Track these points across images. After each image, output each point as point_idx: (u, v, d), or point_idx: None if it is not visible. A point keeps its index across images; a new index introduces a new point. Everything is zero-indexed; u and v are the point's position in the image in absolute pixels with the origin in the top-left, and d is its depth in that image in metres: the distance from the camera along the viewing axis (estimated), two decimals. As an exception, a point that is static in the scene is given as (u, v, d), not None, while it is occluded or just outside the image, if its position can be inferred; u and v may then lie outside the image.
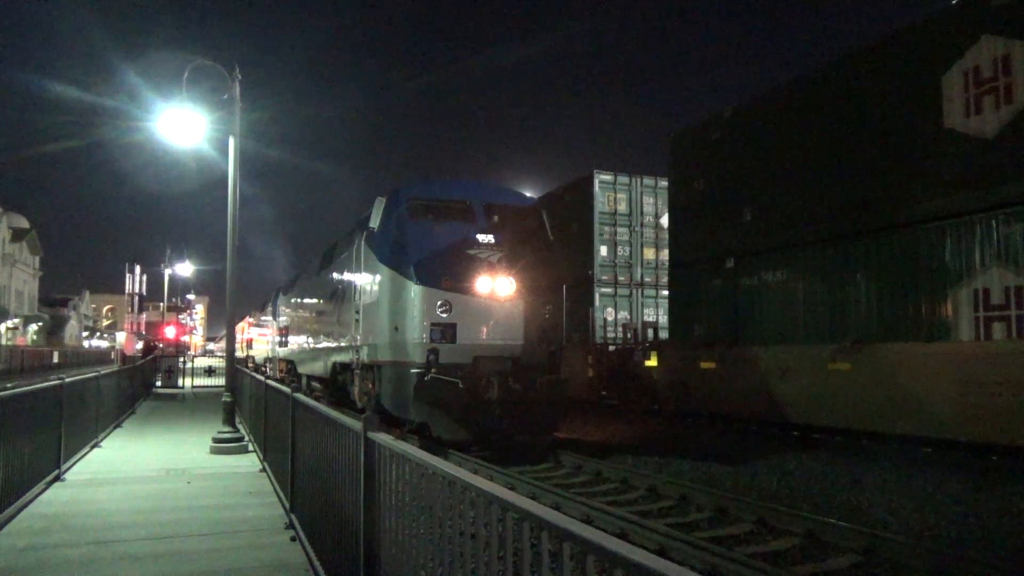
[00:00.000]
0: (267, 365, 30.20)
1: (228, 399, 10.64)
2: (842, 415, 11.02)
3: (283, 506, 6.54)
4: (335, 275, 15.62)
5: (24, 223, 63.72)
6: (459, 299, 10.45)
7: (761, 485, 8.86)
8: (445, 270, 10.54)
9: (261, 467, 8.76)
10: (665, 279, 18.07)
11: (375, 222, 11.70)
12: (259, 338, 35.87)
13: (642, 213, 19.92)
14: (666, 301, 17.77)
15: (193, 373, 27.10)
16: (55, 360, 49.19)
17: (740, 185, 13.88)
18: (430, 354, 10.23)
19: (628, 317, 19.51)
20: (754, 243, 13.25)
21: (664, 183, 18.39)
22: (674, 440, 12.50)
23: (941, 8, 10.65)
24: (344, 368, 14.50)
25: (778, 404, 12.12)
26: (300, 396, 6.10)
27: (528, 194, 14.61)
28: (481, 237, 10.92)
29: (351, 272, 13.78)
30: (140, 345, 46.30)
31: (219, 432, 10.29)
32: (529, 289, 10.82)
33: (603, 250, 19.44)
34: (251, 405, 11.26)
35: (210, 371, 27.57)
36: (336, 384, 15.42)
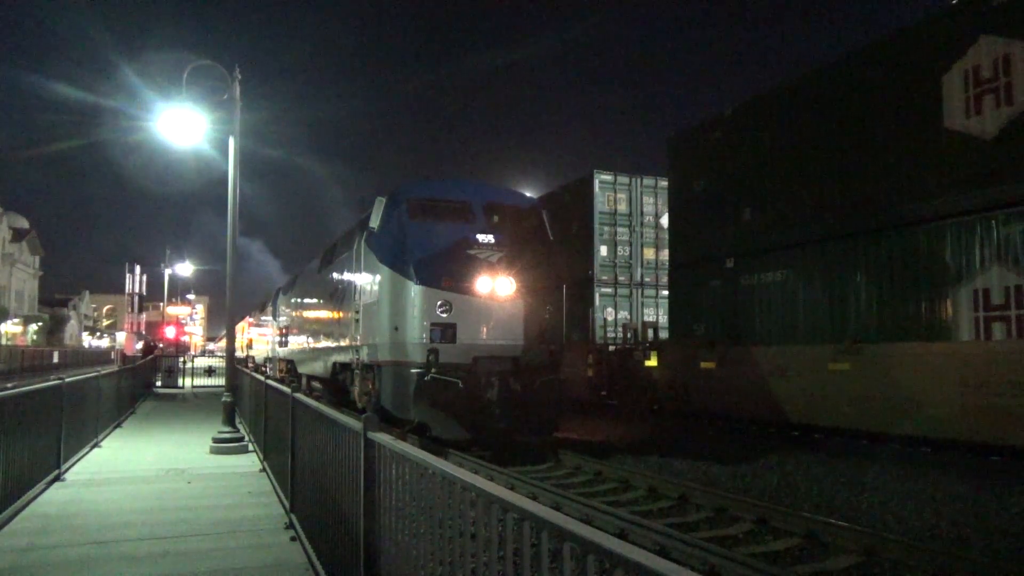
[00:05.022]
0: (267, 365, 30.20)
1: (228, 399, 10.64)
2: (842, 415, 11.02)
3: (283, 506, 6.54)
4: (335, 275, 15.62)
5: (24, 223, 63.74)
6: (459, 299, 10.44)
7: (761, 485, 8.86)
8: (445, 270, 10.53)
9: (261, 467, 8.76)
10: (665, 279, 18.06)
11: (375, 222, 11.69)
12: (259, 338, 35.86)
13: (642, 213, 19.91)
14: (666, 301, 17.77)
15: (193, 373, 27.11)
16: (55, 360, 49.19)
17: (740, 185, 13.88)
18: (430, 354, 10.23)
19: (628, 317, 19.50)
20: (754, 243, 13.25)
21: (664, 183, 18.38)
22: (674, 440, 12.50)
23: (941, 8, 10.66)
24: (344, 368, 14.49)
25: (778, 404, 12.12)
26: (300, 396, 6.10)
27: (528, 194, 14.60)
28: (481, 237, 10.92)
29: (351, 272, 13.78)
30: (140, 345, 46.27)
31: (219, 432, 10.29)
32: (529, 289, 10.81)
33: (603, 250, 19.43)
34: (251, 405, 11.27)
35: (210, 371, 27.58)
36: (336, 384, 15.41)
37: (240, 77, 10.78)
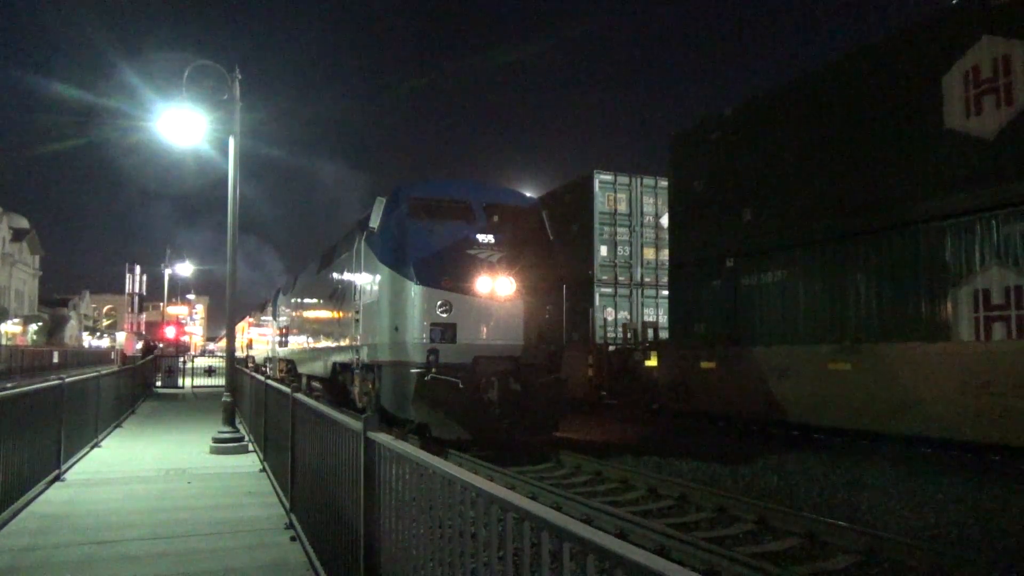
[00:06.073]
0: (267, 365, 30.20)
1: (228, 399, 10.63)
2: (842, 415, 11.02)
3: (283, 506, 6.54)
4: (335, 275, 15.62)
5: (24, 223, 63.77)
6: (459, 299, 10.44)
7: (761, 485, 8.85)
8: (445, 270, 10.53)
9: (261, 467, 8.76)
10: (665, 279, 18.07)
11: (375, 222, 11.69)
12: (259, 338, 35.87)
13: (642, 213, 19.91)
14: (666, 301, 17.77)
15: (193, 373, 27.11)
16: (55, 360, 49.19)
17: (740, 185, 13.88)
18: (430, 354, 10.23)
19: (628, 317, 19.50)
20: (754, 243, 13.25)
21: (664, 183, 18.38)
22: (674, 440, 12.50)
23: (941, 8, 10.66)
24: (344, 368, 14.50)
25: (778, 404, 12.12)
26: (300, 396, 6.10)
27: (528, 194, 14.61)
28: (481, 237, 10.92)
29: (351, 272, 13.78)
30: (140, 345, 46.27)
31: (219, 432, 10.29)
32: (529, 289, 10.81)
33: (603, 250, 19.43)
34: (251, 405, 11.26)
35: (210, 371, 27.59)
36: (336, 384, 15.42)
37: (240, 77, 10.78)
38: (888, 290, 10.65)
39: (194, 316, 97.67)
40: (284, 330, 24.98)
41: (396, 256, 11.11)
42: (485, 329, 10.58)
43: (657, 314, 19.57)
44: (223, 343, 16.83)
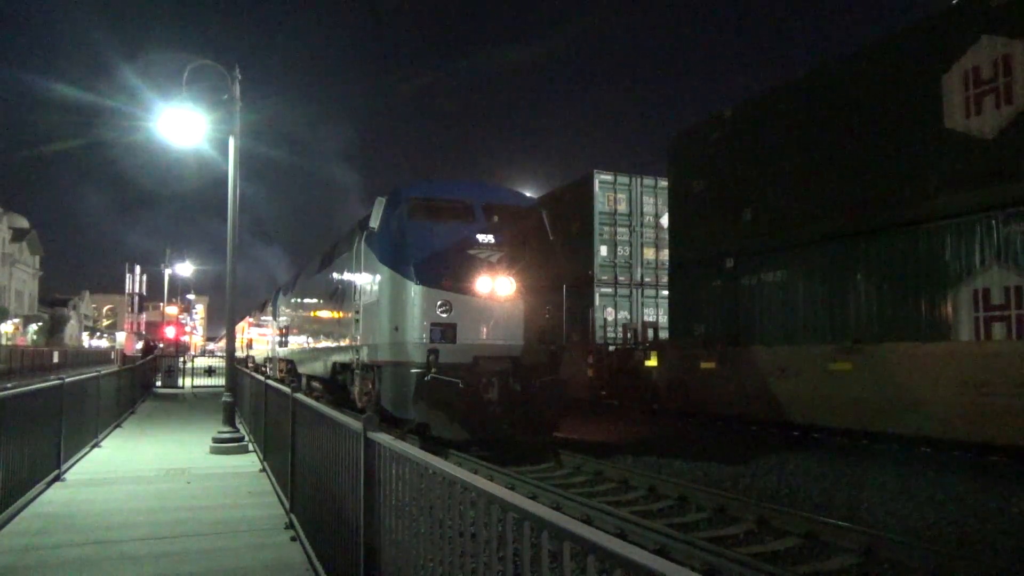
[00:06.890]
0: (267, 365, 30.19)
1: (228, 399, 10.63)
2: (842, 415, 11.02)
3: (283, 506, 6.54)
4: (335, 275, 15.62)
5: (24, 223, 63.78)
6: (459, 299, 10.44)
7: (761, 485, 8.85)
8: (445, 270, 10.53)
9: (261, 467, 8.76)
10: (665, 279, 18.08)
11: (375, 222, 11.69)
12: (259, 338, 35.85)
13: (642, 213, 19.92)
14: (666, 301, 17.78)
15: (193, 373, 27.11)
16: (55, 360, 49.19)
17: (740, 185, 13.89)
18: (430, 354, 10.22)
19: (628, 317, 19.51)
20: (754, 243, 13.25)
21: (664, 183, 18.39)
22: (674, 440, 12.49)
23: (941, 8, 10.67)
24: (344, 368, 14.49)
25: (778, 404, 12.12)
26: (300, 396, 6.10)
27: (528, 194, 14.60)
28: (481, 237, 10.91)
29: (351, 272, 13.78)
30: (140, 345, 46.24)
31: (219, 432, 10.29)
32: (529, 289, 10.81)
33: (603, 250, 19.44)
34: (251, 405, 11.26)
35: (210, 371, 27.58)
36: (336, 384, 15.41)
37: (240, 77, 10.78)
38: (888, 290, 10.65)
39: (193, 315, 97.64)
40: (284, 330, 24.97)
41: (396, 256, 11.11)
42: (485, 329, 10.58)
43: (657, 314, 19.58)
44: (223, 343, 16.83)
